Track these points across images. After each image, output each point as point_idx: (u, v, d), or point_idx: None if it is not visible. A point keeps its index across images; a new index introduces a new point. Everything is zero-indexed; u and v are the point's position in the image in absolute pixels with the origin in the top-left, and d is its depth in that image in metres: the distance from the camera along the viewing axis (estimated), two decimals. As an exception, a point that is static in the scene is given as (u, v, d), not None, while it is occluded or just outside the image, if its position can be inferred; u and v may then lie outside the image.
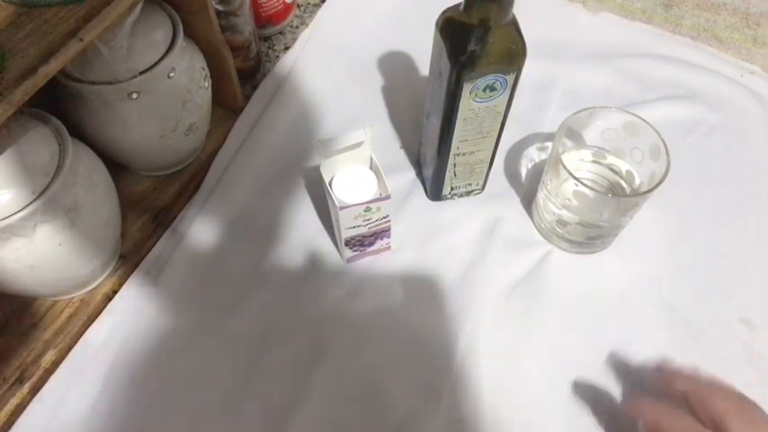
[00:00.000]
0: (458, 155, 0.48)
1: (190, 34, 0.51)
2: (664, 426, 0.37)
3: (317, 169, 0.45)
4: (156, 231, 0.53)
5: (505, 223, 0.53)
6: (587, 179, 0.50)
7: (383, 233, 0.48)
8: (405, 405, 0.45)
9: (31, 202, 0.38)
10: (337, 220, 0.46)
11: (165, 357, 0.47)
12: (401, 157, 0.58)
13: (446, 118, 0.44)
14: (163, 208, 0.54)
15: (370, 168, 0.47)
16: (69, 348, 0.47)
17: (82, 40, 0.36)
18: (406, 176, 0.56)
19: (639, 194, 0.46)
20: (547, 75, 0.63)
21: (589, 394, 0.45)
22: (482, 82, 0.41)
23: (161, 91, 0.47)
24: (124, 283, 0.50)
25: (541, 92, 0.62)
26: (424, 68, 0.51)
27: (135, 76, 0.45)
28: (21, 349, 0.46)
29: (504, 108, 0.44)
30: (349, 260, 0.51)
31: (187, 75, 0.49)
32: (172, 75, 0.47)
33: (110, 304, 0.49)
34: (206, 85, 0.52)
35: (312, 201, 0.55)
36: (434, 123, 0.47)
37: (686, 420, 0.37)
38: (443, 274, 0.50)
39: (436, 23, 0.41)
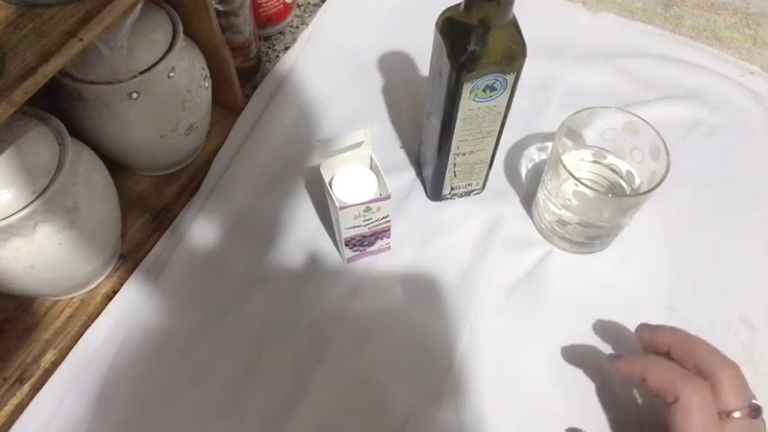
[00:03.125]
0: (458, 155, 0.48)
1: (190, 34, 0.51)
2: (646, 373, 0.39)
3: (316, 169, 0.45)
4: (156, 231, 0.53)
5: (505, 223, 0.53)
6: (587, 179, 0.50)
7: (383, 233, 0.48)
8: (405, 405, 0.45)
9: (31, 202, 0.38)
10: (337, 220, 0.46)
11: (165, 357, 0.47)
12: (401, 157, 0.58)
13: (446, 118, 0.44)
14: (163, 208, 0.54)
15: (370, 168, 0.47)
16: (69, 348, 0.47)
17: (82, 40, 0.36)
18: (406, 176, 0.56)
19: (639, 194, 0.46)
20: (547, 75, 0.63)
21: (588, 393, 0.45)
22: (482, 82, 0.41)
23: (161, 91, 0.47)
24: (124, 283, 0.50)
25: (541, 92, 0.62)
26: (424, 68, 0.51)
27: (135, 76, 0.45)
28: (21, 349, 0.46)
29: (504, 108, 0.44)
30: (349, 260, 0.51)
31: (187, 75, 0.49)
32: (172, 75, 0.47)
33: (110, 304, 0.49)
34: (206, 85, 0.52)
35: (312, 201, 0.55)
36: (434, 123, 0.47)
37: (665, 365, 0.39)
38: (443, 274, 0.50)
39: (436, 23, 0.41)
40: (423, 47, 0.46)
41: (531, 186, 0.55)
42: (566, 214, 0.48)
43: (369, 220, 0.46)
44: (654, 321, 0.48)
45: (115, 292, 0.50)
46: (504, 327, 0.48)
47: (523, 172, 0.57)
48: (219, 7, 0.55)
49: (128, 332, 0.48)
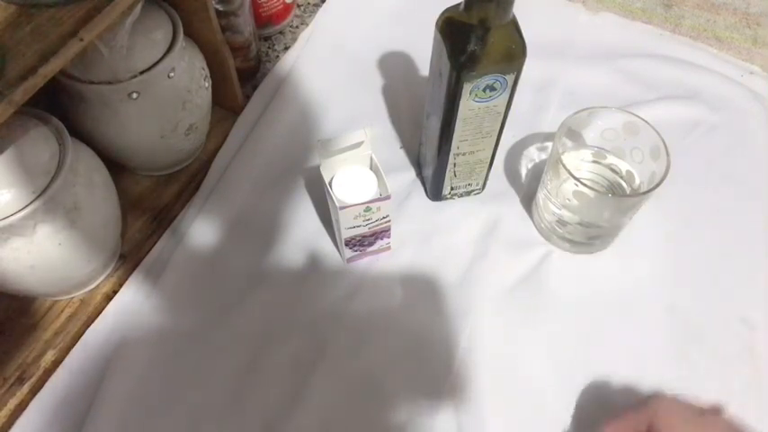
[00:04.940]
0: (458, 155, 0.48)
1: (190, 34, 0.51)
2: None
3: (316, 169, 0.45)
4: (156, 231, 0.53)
5: (505, 223, 0.53)
6: (587, 179, 0.50)
7: (383, 233, 0.48)
8: (405, 405, 0.45)
9: (31, 202, 0.38)
10: (337, 220, 0.46)
11: (165, 357, 0.47)
12: (401, 157, 0.58)
13: (446, 118, 0.44)
14: (163, 208, 0.54)
15: (370, 168, 0.47)
16: (69, 348, 0.47)
17: (82, 40, 0.36)
18: (406, 176, 0.56)
19: (639, 194, 0.46)
20: (547, 75, 0.63)
21: (588, 394, 0.45)
22: (482, 82, 0.41)
23: (161, 91, 0.47)
24: (124, 283, 0.50)
25: (541, 92, 0.62)
26: (424, 68, 0.51)
27: (135, 76, 0.45)
28: (21, 349, 0.46)
29: (504, 108, 0.44)
30: (349, 260, 0.51)
31: (187, 75, 0.49)
32: (172, 75, 0.47)
33: (110, 304, 0.49)
34: (206, 85, 0.52)
35: (312, 201, 0.55)
36: (434, 123, 0.47)
37: None
38: (443, 274, 0.50)
39: (436, 23, 0.41)
40: (423, 47, 0.46)
41: (531, 186, 0.55)
42: (566, 214, 0.48)
43: (369, 220, 0.46)
44: (654, 321, 0.48)
45: (115, 292, 0.50)
46: (504, 327, 0.48)
47: (523, 172, 0.57)
48: (219, 7, 0.55)
49: (128, 332, 0.48)
